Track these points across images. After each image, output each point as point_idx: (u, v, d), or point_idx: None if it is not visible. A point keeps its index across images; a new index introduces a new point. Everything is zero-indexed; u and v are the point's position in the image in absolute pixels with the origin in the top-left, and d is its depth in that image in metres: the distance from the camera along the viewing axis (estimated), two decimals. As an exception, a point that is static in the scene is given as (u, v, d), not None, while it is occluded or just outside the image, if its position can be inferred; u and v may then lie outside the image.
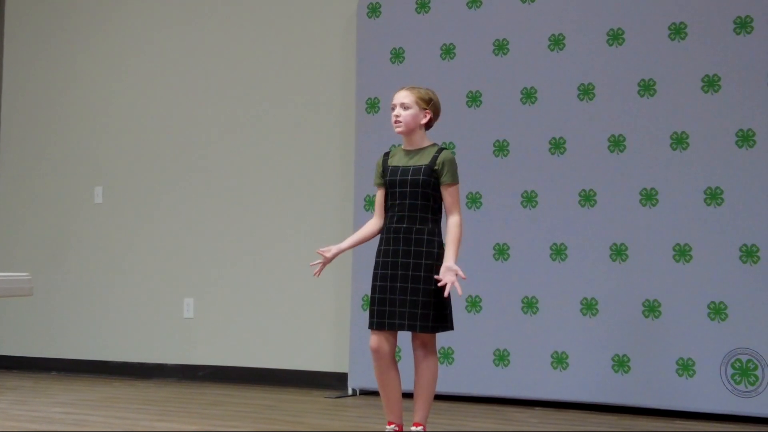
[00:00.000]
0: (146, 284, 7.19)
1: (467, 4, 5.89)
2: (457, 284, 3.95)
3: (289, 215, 6.69)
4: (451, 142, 5.82)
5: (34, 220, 7.75)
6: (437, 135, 5.75)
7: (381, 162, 4.21)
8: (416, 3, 6.03)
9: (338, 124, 6.54)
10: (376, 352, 4.08)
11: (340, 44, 6.60)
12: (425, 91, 4.18)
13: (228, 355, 6.80)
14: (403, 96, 4.13)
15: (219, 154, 7.00)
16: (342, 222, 6.30)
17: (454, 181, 4.09)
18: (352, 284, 5.98)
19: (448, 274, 3.96)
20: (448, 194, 4.08)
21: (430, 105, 4.16)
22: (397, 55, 6.05)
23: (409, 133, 4.14)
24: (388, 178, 4.12)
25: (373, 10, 6.15)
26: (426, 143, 4.17)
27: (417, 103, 4.12)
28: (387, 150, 4.28)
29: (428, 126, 4.19)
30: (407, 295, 3.99)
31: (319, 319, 6.49)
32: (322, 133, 6.62)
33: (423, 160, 4.09)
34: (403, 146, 4.20)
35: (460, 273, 3.95)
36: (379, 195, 4.20)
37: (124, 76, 7.49)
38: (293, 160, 6.71)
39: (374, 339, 4.08)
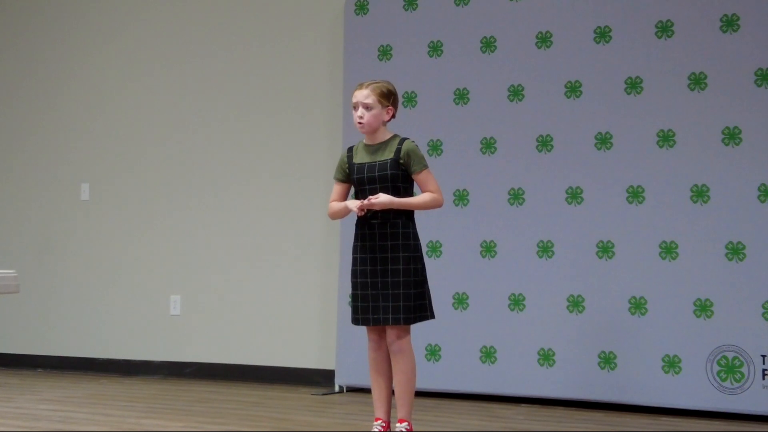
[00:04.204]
0: (133, 281, 7.17)
1: (455, 1, 5.88)
2: (363, 203, 4.00)
3: (276, 212, 6.68)
4: (438, 140, 5.83)
5: (20, 217, 7.72)
6: (425, 132, 5.78)
7: (345, 158, 4.25)
8: (404, 0, 6.03)
9: (325, 122, 6.53)
10: (375, 342, 4.12)
11: (328, 41, 6.59)
12: (384, 86, 4.18)
13: (214, 352, 6.79)
14: (365, 96, 4.13)
15: (205, 151, 6.98)
16: (328, 219, 6.28)
17: (423, 167, 4.12)
18: (339, 281, 5.97)
19: (378, 204, 4.00)
20: (421, 181, 4.12)
21: (391, 100, 4.17)
22: (385, 53, 6.04)
23: (372, 132, 4.16)
24: (355, 176, 4.17)
25: (361, 8, 6.14)
26: (387, 136, 4.20)
27: (379, 102, 4.13)
28: (351, 146, 4.30)
29: (390, 119, 4.21)
30: (388, 289, 4.02)
31: (306, 317, 6.49)
32: (309, 131, 6.61)
33: (387, 154, 4.12)
34: (365, 141, 4.23)
35: (374, 201, 3.98)
36: (339, 190, 4.24)
37: (112, 73, 7.46)
38: (280, 157, 6.70)
39: (373, 331, 4.11)
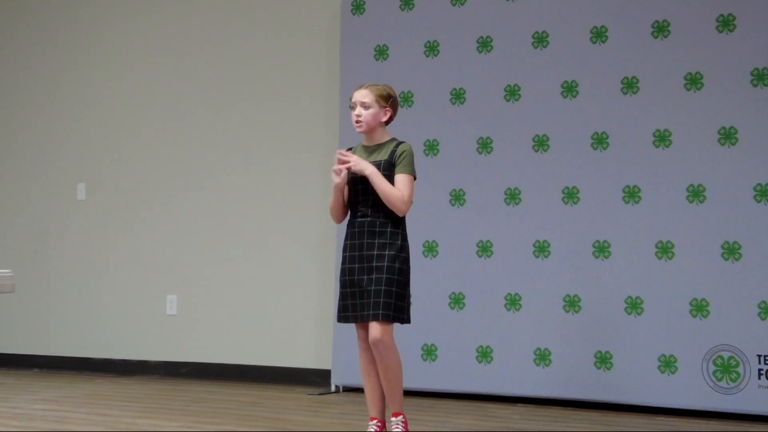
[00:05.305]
0: (129, 281, 7.17)
1: (451, 1, 5.89)
2: (338, 156, 4.05)
3: (272, 212, 6.68)
4: (434, 140, 5.83)
5: (16, 216, 7.71)
6: (421, 132, 5.78)
7: None
8: (400, 0, 6.03)
9: (322, 121, 6.53)
10: (364, 341, 4.11)
11: (324, 41, 6.59)
12: (384, 88, 4.19)
13: (211, 352, 6.79)
14: (363, 95, 4.14)
15: (202, 151, 6.98)
16: (326, 219, 6.29)
17: (407, 171, 4.09)
18: (335, 281, 5.96)
19: (353, 161, 4.04)
20: (400, 182, 4.07)
21: (390, 102, 4.17)
22: (381, 52, 6.04)
23: (370, 132, 4.16)
24: (350, 175, 4.15)
25: (357, 7, 6.15)
26: (386, 138, 4.20)
27: (377, 102, 4.13)
28: (350, 147, 4.31)
29: (388, 122, 4.21)
30: (372, 285, 4.01)
31: (303, 316, 6.49)
32: (306, 130, 6.62)
33: (382, 155, 4.13)
34: (363, 143, 4.23)
35: (350, 158, 4.03)
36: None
37: (108, 73, 7.46)
38: (277, 156, 6.70)
39: (362, 330, 4.12)
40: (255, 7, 6.92)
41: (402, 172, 4.09)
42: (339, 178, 4.10)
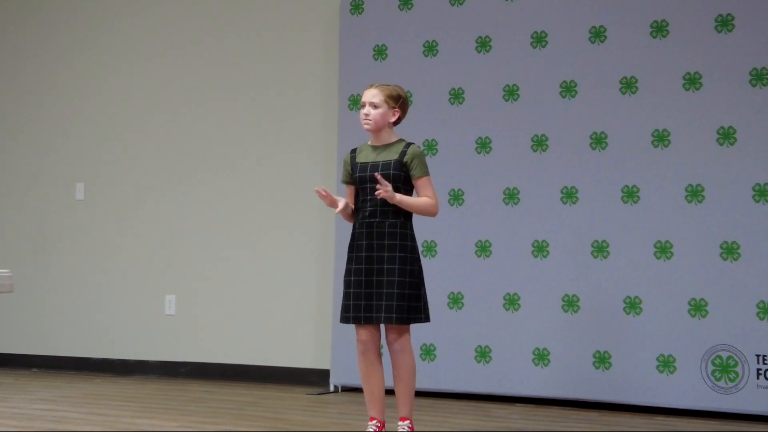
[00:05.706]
0: (128, 281, 7.17)
1: (450, 1, 5.89)
2: (381, 183, 3.97)
3: (271, 212, 6.68)
4: (433, 139, 5.83)
5: (15, 216, 7.71)
6: (420, 132, 5.78)
7: (348, 160, 4.26)
8: (399, 0, 6.03)
9: (321, 121, 6.53)
10: (363, 343, 4.10)
11: (323, 41, 6.59)
12: (394, 89, 4.20)
13: (209, 351, 6.79)
14: (373, 94, 4.15)
15: (201, 152, 6.98)
16: (324, 219, 6.30)
17: (424, 173, 4.14)
18: (334, 281, 5.97)
19: (390, 191, 3.99)
20: (421, 186, 4.14)
21: (399, 103, 4.18)
22: (380, 52, 6.04)
23: (377, 131, 4.17)
24: (357, 174, 4.16)
25: (356, 7, 6.15)
26: (393, 139, 4.21)
27: (386, 102, 4.14)
28: (354, 147, 4.31)
29: (396, 123, 4.21)
30: (383, 288, 4.01)
31: (301, 316, 6.48)
32: (304, 130, 6.61)
33: (391, 155, 4.13)
34: (370, 142, 4.24)
35: (387, 188, 3.97)
36: (349, 192, 4.25)
37: (107, 73, 7.46)
38: (275, 157, 6.70)
39: (362, 331, 4.10)
40: (254, 6, 6.91)
41: (420, 175, 4.12)
42: (340, 209, 4.10)
